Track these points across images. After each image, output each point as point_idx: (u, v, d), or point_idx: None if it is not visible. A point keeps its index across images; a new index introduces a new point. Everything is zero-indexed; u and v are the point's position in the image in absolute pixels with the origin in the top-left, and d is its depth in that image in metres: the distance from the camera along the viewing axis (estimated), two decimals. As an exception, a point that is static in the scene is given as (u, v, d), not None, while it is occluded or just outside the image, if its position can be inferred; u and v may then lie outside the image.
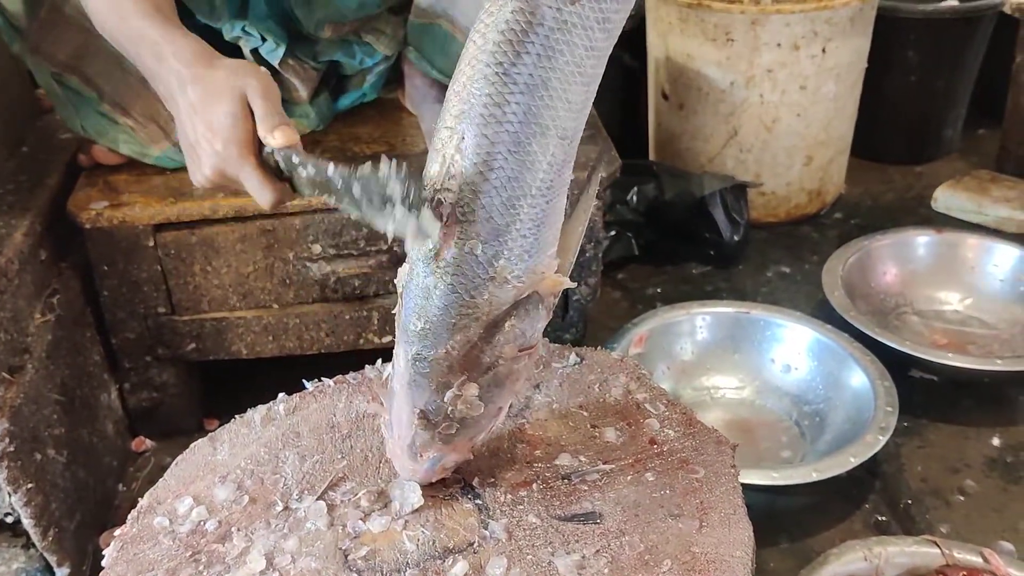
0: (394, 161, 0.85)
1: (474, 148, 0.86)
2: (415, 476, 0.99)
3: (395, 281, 0.94)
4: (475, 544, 0.94)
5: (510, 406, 1.11)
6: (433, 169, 0.87)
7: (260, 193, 1.00)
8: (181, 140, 1.07)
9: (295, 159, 0.96)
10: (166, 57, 1.08)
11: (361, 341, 1.64)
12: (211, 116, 1.01)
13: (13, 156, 1.60)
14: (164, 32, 1.10)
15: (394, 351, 0.96)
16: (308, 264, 1.58)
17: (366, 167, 0.87)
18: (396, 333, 0.94)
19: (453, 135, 0.86)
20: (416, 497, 0.99)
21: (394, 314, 0.96)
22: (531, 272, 0.91)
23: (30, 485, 1.28)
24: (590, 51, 0.86)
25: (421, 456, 0.97)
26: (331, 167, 0.91)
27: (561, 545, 0.94)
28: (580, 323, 1.76)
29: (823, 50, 2.13)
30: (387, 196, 0.85)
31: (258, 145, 1.00)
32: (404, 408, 0.95)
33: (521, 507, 0.98)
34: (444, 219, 0.86)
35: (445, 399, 0.93)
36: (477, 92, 0.85)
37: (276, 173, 0.99)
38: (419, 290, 0.90)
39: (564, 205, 0.93)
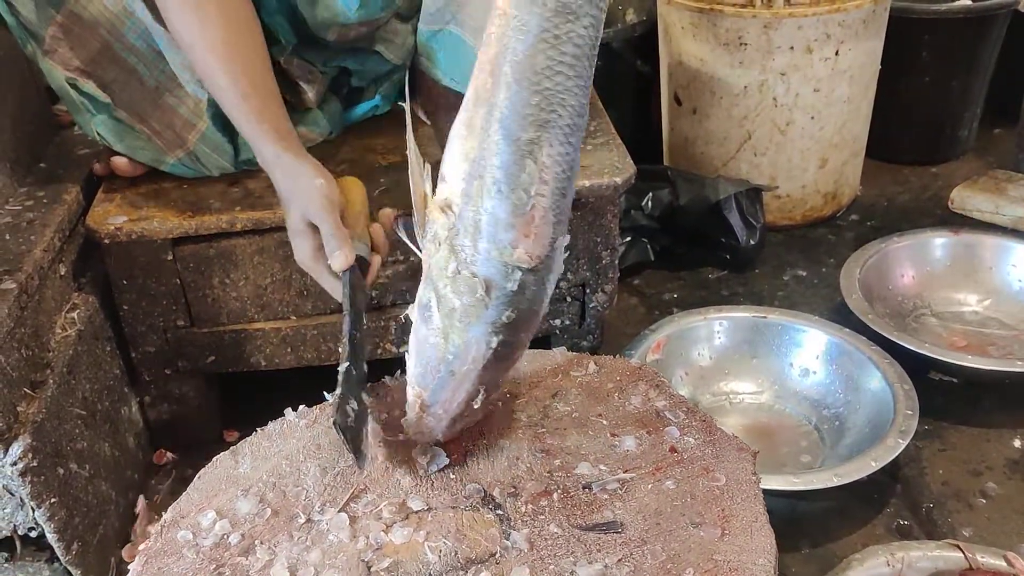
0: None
1: (561, 155, 0.95)
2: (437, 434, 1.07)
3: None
4: (497, 555, 0.95)
5: (529, 416, 1.12)
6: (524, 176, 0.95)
7: (332, 292, 1.24)
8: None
9: (344, 286, 1.20)
10: (264, 152, 1.31)
11: (379, 351, 1.64)
12: (289, 220, 1.27)
13: (31, 172, 1.61)
14: (278, 137, 1.31)
15: (456, 338, 1.00)
16: (325, 275, 1.58)
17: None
18: (467, 320, 0.98)
19: (538, 143, 0.94)
20: (444, 457, 1.07)
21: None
22: None
23: (53, 500, 1.29)
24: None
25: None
26: (347, 318, 1.17)
27: (583, 555, 0.94)
28: (597, 330, 1.76)
29: (836, 52, 2.13)
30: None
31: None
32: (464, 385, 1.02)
33: (542, 517, 0.98)
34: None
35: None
36: (564, 103, 0.94)
37: None
38: (513, 286, 0.97)
39: None
